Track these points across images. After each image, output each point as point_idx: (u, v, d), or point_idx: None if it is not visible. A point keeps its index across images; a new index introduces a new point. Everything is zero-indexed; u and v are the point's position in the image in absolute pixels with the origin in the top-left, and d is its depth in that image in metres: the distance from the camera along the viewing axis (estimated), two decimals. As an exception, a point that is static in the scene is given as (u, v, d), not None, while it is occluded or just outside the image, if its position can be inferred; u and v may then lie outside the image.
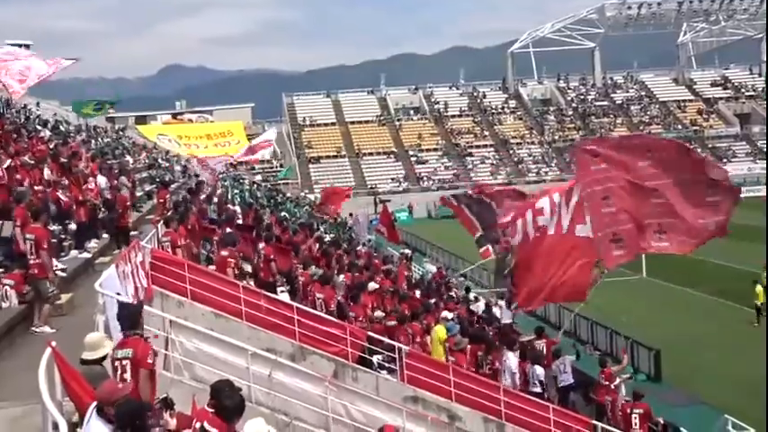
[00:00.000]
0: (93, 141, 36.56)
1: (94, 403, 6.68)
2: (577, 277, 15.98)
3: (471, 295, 28.60)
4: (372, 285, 18.91)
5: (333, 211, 42.34)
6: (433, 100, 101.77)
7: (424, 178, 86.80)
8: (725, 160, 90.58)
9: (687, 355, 25.19)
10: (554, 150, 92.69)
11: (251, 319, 12.96)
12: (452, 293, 28.57)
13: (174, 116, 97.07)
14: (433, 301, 22.68)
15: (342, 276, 19.14)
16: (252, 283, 15.00)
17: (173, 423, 7.11)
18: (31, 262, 11.57)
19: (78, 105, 33.08)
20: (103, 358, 7.98)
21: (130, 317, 8.30)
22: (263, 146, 38.69)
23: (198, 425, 7.30)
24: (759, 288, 30.29)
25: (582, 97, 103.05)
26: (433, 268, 36.51)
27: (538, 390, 16.39)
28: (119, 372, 7.68)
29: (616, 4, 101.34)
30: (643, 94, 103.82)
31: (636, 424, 15.62)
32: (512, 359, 16.70)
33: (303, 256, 20.00)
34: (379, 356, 13.96)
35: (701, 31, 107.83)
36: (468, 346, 16.87)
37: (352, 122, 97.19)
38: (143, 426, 6.47)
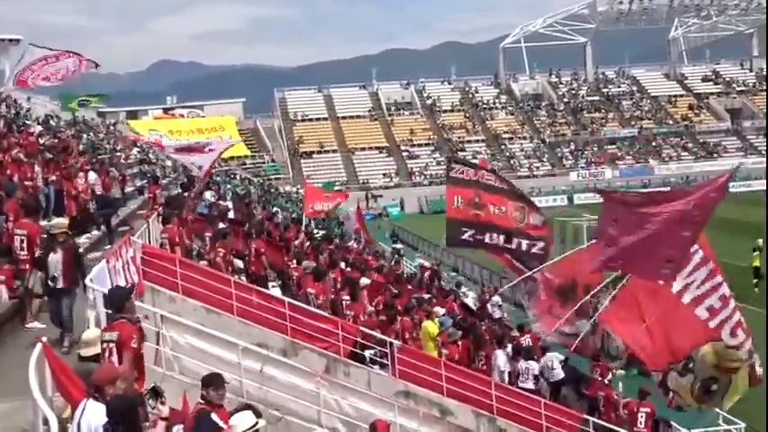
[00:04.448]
0: (84, 136, 36.45)
1: (85, 399, 6.68)
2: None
3: (462, 290, 28.58)
4: (364, 281, 18.88)
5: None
6: (424, 95, 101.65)
7: (416, 173, 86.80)
8: (715, 155, 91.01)
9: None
10: (546, 145, 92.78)
11: (242, 314, 12.95)
12: (444, 288, 28.51)
13: (166, 111, 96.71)
14: (427, 296, 22.61)
15: (331, 273, 19.08)
16: (243, 278, 14.99)
17: (165, 410, 7.14)
18: (22, 257, 11.53)
19: (67, 98, 32.98)
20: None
21: (118, 300, 8.33)
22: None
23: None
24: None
25: (573, 92, 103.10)
26: (425, 264, 36.47)
27: (530, 385, 16.38)
28: (106, 354, 7.80)
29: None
30: (635, 89, 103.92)
31: (641, 423, 15.66)
32: (500, 357, 16.67)
33: (295, 251, 19.99)
34: (371, 351, 13.95)
35: (693, 26, 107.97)
36: (460, 342, 16.89)
37: (344, 117, 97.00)
38: (136, 420, 6.49)
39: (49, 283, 10.92)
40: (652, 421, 16.38)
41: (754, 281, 32.77)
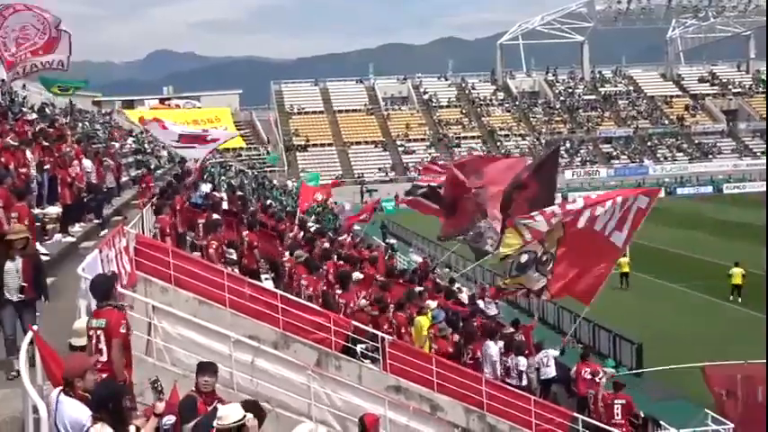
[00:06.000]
0: (80, 125, 36.34)
1: (57, 389, 6.67)
2: (594, 280, 16.23)
3: (455, 287, 28.53)
4: (357, 275, 18.83)
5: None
6: (421, 90, 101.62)
7: (412, 168, 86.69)
8: (710, 156, 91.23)
9: (669, 349, 25.29)
10: (541, 143, 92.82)
11: (234, 305, 12.95)
12: (438, 283, 28.42)
13: (162, 101, 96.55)
14: (419, 290, 22.52)
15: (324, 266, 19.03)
16: (236, 270, 14.98)
17: (161, 407, 7.15)
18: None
19: (47, 82, 32.57)
20: None
21: (103, 288, 8.33)
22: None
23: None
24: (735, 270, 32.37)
25: (570, 90, 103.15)
26: (419, 258, 36.44)
27: (517, 382, 16.38)
28: (93, 341, 7.81)
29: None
30: (631, 88, 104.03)
31: (618, 415, 15.70)
32: (492, 348, 16.67)
33: (289, 242, 19.96)
34: (363, 345, 13.95)
35: (690, 26, 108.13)
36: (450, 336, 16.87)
37: (340, 111, 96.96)
38: (119, 408, 6.48)
39: (5, 294, 9.32)
40: (641, 419, 16.45)
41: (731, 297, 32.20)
